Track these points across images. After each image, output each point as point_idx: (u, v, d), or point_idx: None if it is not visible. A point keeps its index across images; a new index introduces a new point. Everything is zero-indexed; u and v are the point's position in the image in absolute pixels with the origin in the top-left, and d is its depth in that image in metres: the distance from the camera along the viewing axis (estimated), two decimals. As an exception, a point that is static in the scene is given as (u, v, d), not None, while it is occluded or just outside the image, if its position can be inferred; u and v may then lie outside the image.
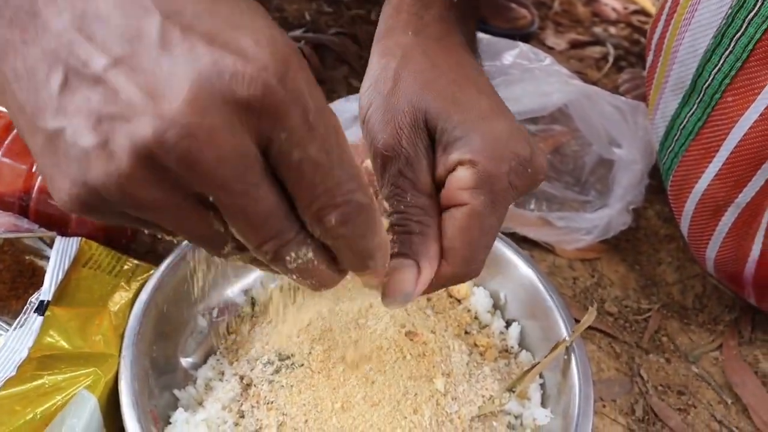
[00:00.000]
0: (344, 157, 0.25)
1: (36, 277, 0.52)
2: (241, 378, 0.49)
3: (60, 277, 0.47)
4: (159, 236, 0.29)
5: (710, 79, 0.51)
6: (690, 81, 0.53)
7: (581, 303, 0.67)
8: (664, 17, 0.57)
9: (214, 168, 0.22)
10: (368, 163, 0.39)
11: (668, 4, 0.56)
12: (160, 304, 0.49)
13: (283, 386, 0.47)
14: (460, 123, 0.36)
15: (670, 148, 0.57)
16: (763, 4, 0.45)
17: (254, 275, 0.57)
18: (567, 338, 0.50)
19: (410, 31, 0.41)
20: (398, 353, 0.49)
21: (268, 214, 0.24)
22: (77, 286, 0.48)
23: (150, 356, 0.47)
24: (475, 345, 0.53)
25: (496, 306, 0.57)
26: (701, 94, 0.52)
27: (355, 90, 0.81)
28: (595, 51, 1.13)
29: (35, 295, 0.45)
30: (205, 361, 0.51)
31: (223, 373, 0.50)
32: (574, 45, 1.14)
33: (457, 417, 0.46)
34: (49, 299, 0.45)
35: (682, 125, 0.55)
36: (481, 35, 0.74)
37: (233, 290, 0.56)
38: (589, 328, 0.60)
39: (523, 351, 0.54)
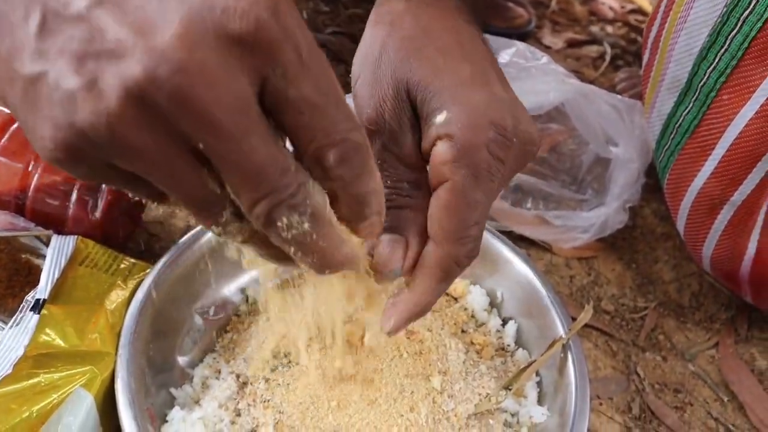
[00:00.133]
0: (338, 97, 0.25)
1: (32, 276, 0.52)
2: (238, 376, 0.49)
3: (56, 275, 0.47)
4: (152, 203, 0.27)
5: (706, 78, 0.51)
6: (686, 79, 0.53)
7: (578, 301, 0.67)
8: (660, 15, 0.57)
9: (207, 107, 0.21)
10: None
11: (664, 3, 0.56)
12: (157, 302, 0.49)
13: (279, 384, 0.47)
14: (437, 93, 0.34)
15: (666, 147, 0.57)
16: (758, 2, 0.45)
17: (251, 273, 0.57)
18: (563, 336, 0.50)
19: None
20: (395, 351, 0.49)
21: (262, 165, 0.23)
22: (73, 284, 0.48)
23: (146, 354, 0.47)
24: (472, 343, 0.53)
25: (493, 304, 0.58)
26: (697, 93, 0.52)
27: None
28: (592, 50, 1.13)
29: (31, 294, 0.45)
30: (201, 360, 0.51)
31: (219, 372, 0.50)
32: (571, 44, 1.14)
33: (454, 415, 0.46)
34: (46, 297, 0.45)
35: (678, 123, 0.55)
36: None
37: (230, 289, 0.56)
38: (586, 326, 0.60)
39: (520, 349, 0.54)
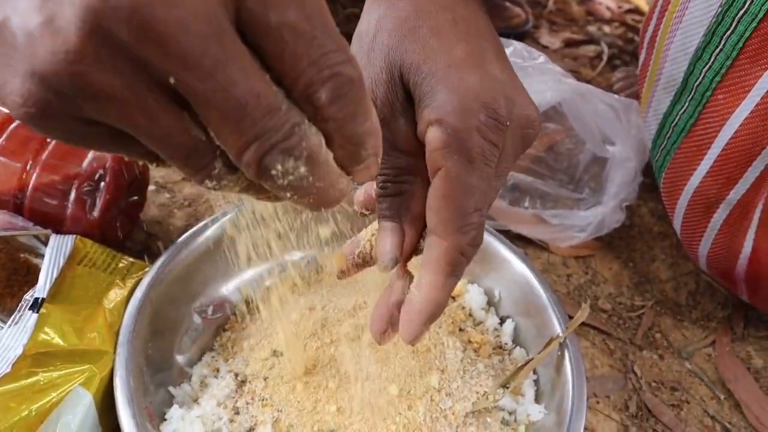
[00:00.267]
0: (328, 24, 0.22)
1: (31, 275, 0.52)
2: (236, 375, 0.49)
3: (55, 274, 0.47)
4: (150, 164, 0.24)
5: (701, 77, 0.51)
6: (681, 79, 0.54)
7: (575, 300, 0.67)
8: (656, 15, 0.57)
9: (171, 31, 0.19)
10: None
11: (660, 2, 0.56)
12: (155, 301, 0.49)
13: (277, 383, 0.47)
14: (428, 75, 0.32)
15: (663, 146, 0.57)
16: (752, 2, 0.46)
17: (249, 273, 0.57)
18: (561, 335, 0.50)
19: None
20: (393, 349, 0.49)
21: (243, 101, 0.20)
22: (72, 283, 0.48)
23: (145, 353, 0.47)
24: (470, 341, 0.54)
25: (491, 303, 0.58)
26: (692, 92, 0.52)
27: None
28: (590, 50, 1.13)
29: (30, 293, 0.46)
30: (200, 358, 0.51)
31: (218, 370, 0.50)
32: (569, 44, 1.14)
33: (451, 413, 0.47)
34: (44, 297, 0.45)
35: (674, 123, 0.55)
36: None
37: (228, 288, 0.56)
38: (583, 324, 0.60)
39: (517, 347, 0.54)
